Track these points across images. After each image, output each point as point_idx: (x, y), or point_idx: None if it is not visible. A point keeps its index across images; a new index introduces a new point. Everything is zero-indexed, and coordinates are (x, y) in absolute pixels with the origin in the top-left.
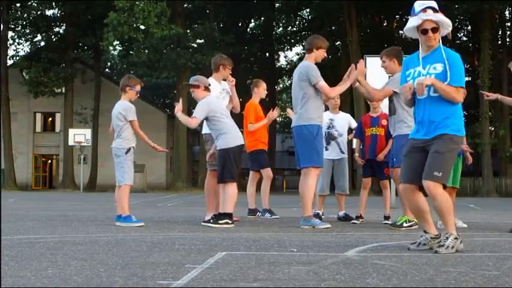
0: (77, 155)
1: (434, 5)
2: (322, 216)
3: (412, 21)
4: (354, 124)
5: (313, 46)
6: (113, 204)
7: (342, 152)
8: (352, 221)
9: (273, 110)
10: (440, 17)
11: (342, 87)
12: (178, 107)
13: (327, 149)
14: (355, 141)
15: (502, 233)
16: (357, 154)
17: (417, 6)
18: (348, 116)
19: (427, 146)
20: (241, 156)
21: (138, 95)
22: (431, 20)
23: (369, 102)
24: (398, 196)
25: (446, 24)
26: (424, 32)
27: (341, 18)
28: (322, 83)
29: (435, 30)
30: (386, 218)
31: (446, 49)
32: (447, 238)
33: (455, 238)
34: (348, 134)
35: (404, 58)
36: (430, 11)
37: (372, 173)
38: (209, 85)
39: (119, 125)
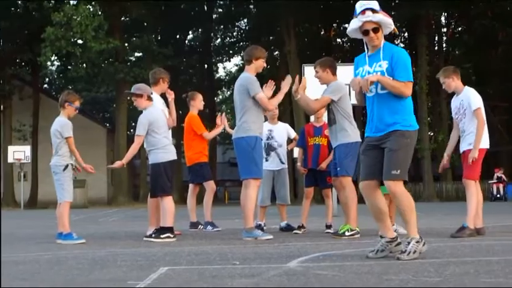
0: (17, 172)
1: (374, 5)
2: (264, 227)
3: (353, 23)
4: (293, 134)
5: (252, 57)
6: (53, 221)
7: (282, 163)
8: (294, 231)
9: (221, 115)
10: (380, 17)
11: (278, 98)
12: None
13: (267, 160)
14: (297, 150)
15: (443, 239)
16: (299, 163)
17: (357, 7)
18: (287, 126)
19: (381, 143)
20: (174, 171)
21: (77, 111)
22: (371, 20)
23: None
24: (340, 205)
25: (388, 23)
26: (366, 33)
27: (279, 27)
28: (261, 95)
29: (376, 30)
30: (328, 227)
31: (391, 46)
32: (409, 243)
33: (417, 242)
34: (287, 144)
35: (355, 57)
36: (369, 12)
37: (314, 183)
38: (151, 94)
39: (56, 142)
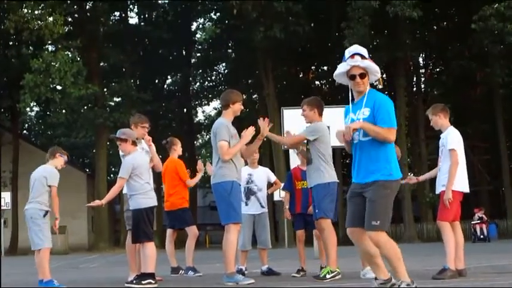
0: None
1: (363, 51)
2: (246, 272)
3: (341, 67)
4: (273, 178)
5: (229, 102)
6: (34, 268)
7: (262, 207)
8: (293, 275)
9: (201, 161)
10: (368, 63)
11: (236, 147)
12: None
13: (247, 204)
14: (283, 193)
15: (425, 281)
16: (286, 207)
17: (347, 52)
18: (267, 170)
19: (364, 191)
20: (153, 217)
21: (65, 165)
22: (359, 66)
23: (297, 155)
24: (324, 247)
25: (375, 71)
26: (352, 77)
27: (257, 71)
28: (222, 143)
29: (363, 76)
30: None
31: (374, 93)
32: (399, 286)
33: (408, 285)
34: (268, 188)
35: (346, 106)
36: (357, 57)
37: (304, 225)
38: (137, 139)
39: (39, 189)
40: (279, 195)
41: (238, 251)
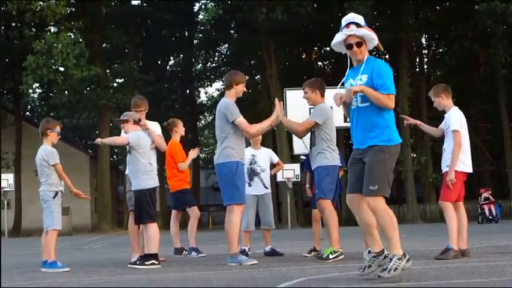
0: (0, 200)
1: (359, 20)
2: (249, 252)
3: (337, 37)
4: (276, 159)
5: (232, 82)
6: (38, 249)
7: (266, 187)
8: (304, 254)
9: (193, 150)
10: (364, 31)
11: (262, 125)
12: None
13: (250, 185)
14: (286, 174)
15: (428, 261)
16: (307, 185)
17: (342, 21)
18: (270, 151)
19: (363, 157)
20: (156, 197)
21: (60, 136)
22: (355, 34)
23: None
24: (325, 227)
25: (371, 38)
26: (349, 46)
27: (259, 52)
28: (240, 120)
29: (360, 44)
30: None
31: (373, 60)
32: (390, 260)
33: (399, 258)
34: (270, 169)
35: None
36: (353, 26)
37: None
38: (139, 120)
39: (45, 171)
40: (282, 176)
41: (242, 232)
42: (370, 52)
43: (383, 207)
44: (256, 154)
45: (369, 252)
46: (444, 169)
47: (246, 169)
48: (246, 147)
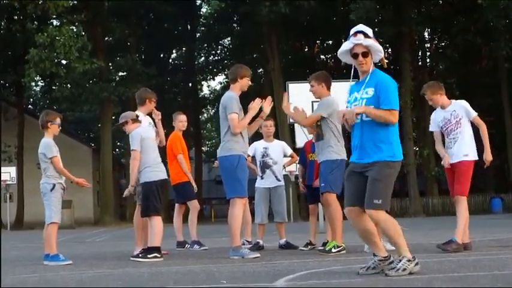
0: (3, 193)
1: (367, 30)
2: (265, 245)
3: (344, 45)
4: (289, 151)
5: (237, 76)
6: (40, 242)
7: (278, 180)
8: (300, 248)
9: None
10: (371, 42)
11: (245, 120)
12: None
13: (262, 178)
14: (290, 167)
15: (430, 254)
16: (300, 180)
17: (351, 31)
18: (283, 143)
19: (365, 171)
20: (163, 191)
21: (60, 128)
22: (362, 44)
23: (307, 129)
24: (328, 221)
25: (378, 50)
26: (355, 56)
27: (262, 45)
28: (233, 116)
29: (365, 54)
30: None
31: (378, 73)
32: (400, 261)
33: (409, 260)
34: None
35: (351, 85)
36: (360, 36)
37: (315, 199)
38: (137, 116)
39: (44, 165)
40: (284, 169)
41: (245, 225)
42: (375, 64)
43: (385, 217)
44: (268, 147)
45: (374, 255)
46: (460, 158)
47: (258, 162)
48: (259, 140)
